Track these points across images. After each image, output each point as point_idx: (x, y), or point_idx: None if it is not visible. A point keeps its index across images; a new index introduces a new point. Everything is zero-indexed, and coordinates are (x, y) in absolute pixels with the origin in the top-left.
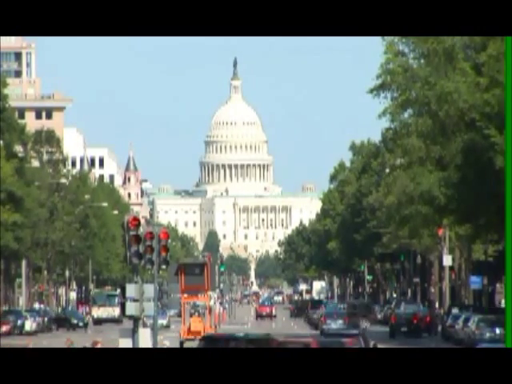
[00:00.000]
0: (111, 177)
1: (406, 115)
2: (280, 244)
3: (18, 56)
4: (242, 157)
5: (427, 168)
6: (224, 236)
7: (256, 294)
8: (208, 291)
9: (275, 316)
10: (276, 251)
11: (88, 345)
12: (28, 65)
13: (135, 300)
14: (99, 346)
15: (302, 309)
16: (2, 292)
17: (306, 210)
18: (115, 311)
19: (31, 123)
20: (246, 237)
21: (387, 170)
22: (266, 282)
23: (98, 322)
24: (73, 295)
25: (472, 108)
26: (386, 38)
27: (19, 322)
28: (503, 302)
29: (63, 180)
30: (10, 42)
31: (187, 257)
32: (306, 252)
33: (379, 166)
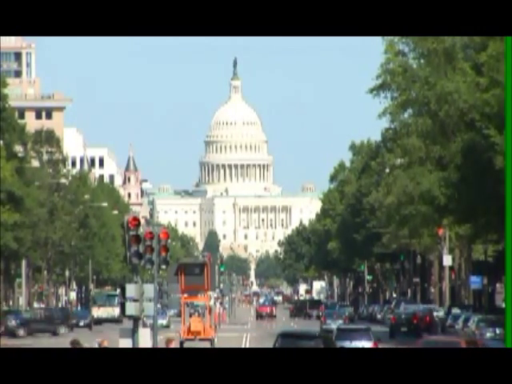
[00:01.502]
0: (111, 177)
1: (405, 115)
2: (280, 244)
3: (17, 56)
4: (241, 157)
5: (427, 168)
6: (224, 236)
7: (255, 293)
8: (208, 291)
9: (275, 316)
10: (276, 251)
11: (163, 344)
12: (28, 65)
13: (135, 300)
14: (172, 345)
15: (300, 309)
16: (1, 292)
17: (306, 210)
18: (115, 311)
19: (31, 123)
20: (245, 237)
21: (387, 170)
22: (265, 282)
23: (98, 322)
24: (73, 295)
25: (472, 108)
26: (385, 37)
27: None
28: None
29: (63, 180)
30: (10, 42)
31: (187, 257)
32: (305, 252)
33: (379, 165)
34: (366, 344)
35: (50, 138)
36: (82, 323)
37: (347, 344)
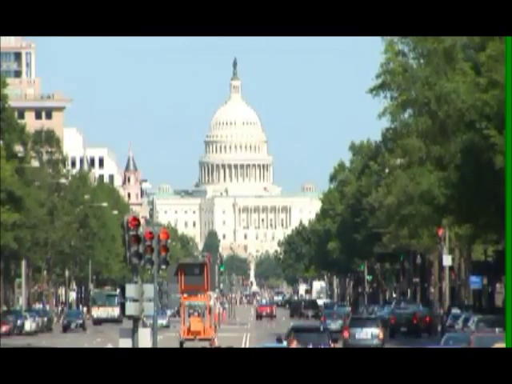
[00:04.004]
0: (111, 177)
1: (405, 115)
2: (280, 244)
3: (17, 56)
4: (241, 157)
5: (427, 168)
6: (224, 236)
7: (255, 293)
8: (208, 291)
9: (275, 316)
10: (276, 251)
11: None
12: (28, 65)
13: (135, 300)
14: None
15: (296, 309)
16: (1, 292)
17: (306, 210)
18: (115, 311)
19: (31, 123)
20: (245, 237)
21: (387, 170)
22: (265, 282)
23: (98, 322)
24: (72, 295)
25: (471, 108)
26: (385, 37)
27: (19, 322)
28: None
29: (63, 180)
30: (10, 42)
31: (187, 257)
32: (305, 252)
33: (379, 166)
34: (375, 330)
35: (49, 138)
36: (73, 325)
37: (359, 330)
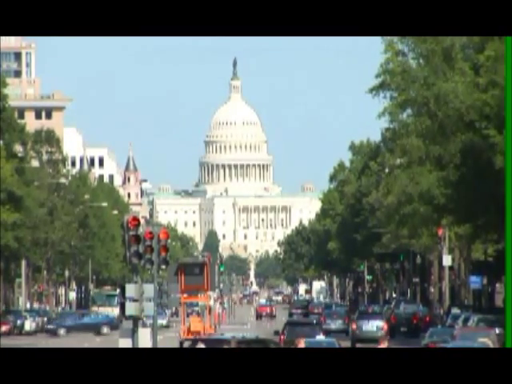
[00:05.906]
0: (111, 177)
1: (405, 115)
2: (280, 244)
3: (17, 56)
4: (241, 157)
5: (426, 168)
6: (224, 236)
7: (255, 293)
8: (208, 291)
9: (275, 316)
10: (276, 251)
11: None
12: (28, 65)
13: (135, 300)
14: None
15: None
16: (1, 292)
17: (306, 209)
18: (115, 311)
19: (31, 123)
20: (245, 237)
21: (387, 170)
22: (265, 282)
23: None
24: (72, 295)
25: (470, 108)
26: (385, 37)
27: (19, 322)
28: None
29: (63, 180)
30: (10, 42)
31: (187, 257)
32: (305, 252)
33: (379, 166)
34: (380, 323)
35: (49, 138)
36: (62, 331)
37: (366, 323)
